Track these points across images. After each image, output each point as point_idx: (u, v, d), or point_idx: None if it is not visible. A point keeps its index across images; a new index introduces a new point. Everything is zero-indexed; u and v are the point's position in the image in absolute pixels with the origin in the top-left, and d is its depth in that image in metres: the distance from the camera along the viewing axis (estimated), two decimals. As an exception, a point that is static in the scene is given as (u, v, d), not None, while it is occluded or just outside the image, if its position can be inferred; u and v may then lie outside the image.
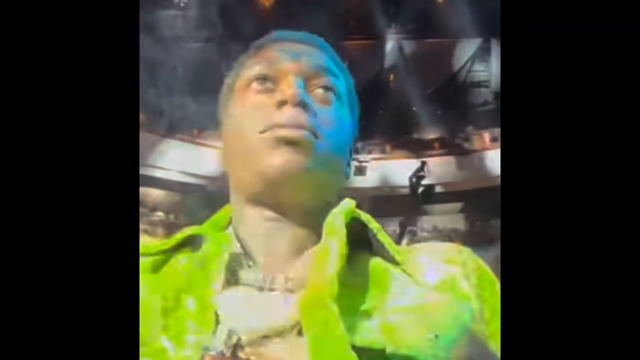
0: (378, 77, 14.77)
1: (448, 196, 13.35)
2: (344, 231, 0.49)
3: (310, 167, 0.51)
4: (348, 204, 0.53)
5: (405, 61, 15.77)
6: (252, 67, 0.57)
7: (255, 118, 0.53)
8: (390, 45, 15.75)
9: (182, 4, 14.73)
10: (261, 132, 0.52)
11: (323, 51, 0.59)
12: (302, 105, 0.52)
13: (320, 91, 0.55)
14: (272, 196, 0.51)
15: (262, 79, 0.55)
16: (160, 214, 13.92)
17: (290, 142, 0.50)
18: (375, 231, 0.53)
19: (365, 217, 0.53)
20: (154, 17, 14.40)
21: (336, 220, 0.50)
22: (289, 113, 0.51)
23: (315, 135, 0.52)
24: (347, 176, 0.59)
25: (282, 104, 0.52)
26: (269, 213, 0.52)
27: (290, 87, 0.52)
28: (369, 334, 0.43)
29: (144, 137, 13.87)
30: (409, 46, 15.67)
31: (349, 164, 0.60)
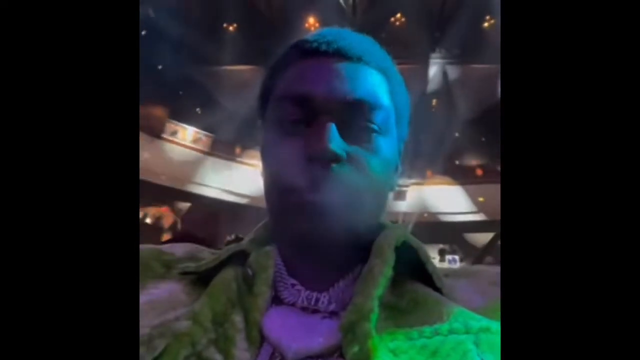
0: (420, 101, 14.68)
1: (489, 225, 12.98)
2: (392, 254, 0.49)
3: (344, 226, 0.49)
4: (401, 228, 0.53)
5: (448, 86, 15.65)
6: (281, 106, 0.52)
7: (285, 175, 0.49)
8: (433, 69, 15.69)
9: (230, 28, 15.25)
10: (289, 191, 0.49)
11: (362, 62, 0.53)
12: (335, 159, 0.48)
13: (358, 127, 0.51)
14: (304, 248, 0.51)
15: (293, 122, 0.51)
16: (199, 230, 14.16)
17: (316, 208, 0.48)
18: (424, 259, 0.52)
19: (415, 243, 0.52)
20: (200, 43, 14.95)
21: (385, 243, 0.50)
22: (316, 171, 0.48)
23: (346, 188, 0.48)
24: (392, 187, 0.56)
25: (311, 158, 0.48)
26: (310, 239, 0.51)
27: (321, 139, 0.48)
28: (414, 358, 0.42)
29: (189, 154, 14.27)
30: (452, 71, 15.57)
31: (397, 171, 0.57)
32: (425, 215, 14.61)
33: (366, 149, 0.51)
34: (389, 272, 0.48)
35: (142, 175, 13.30)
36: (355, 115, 0.50)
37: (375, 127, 0.51)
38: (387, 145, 0.53)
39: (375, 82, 0.53)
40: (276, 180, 0.51)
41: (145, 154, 13.06)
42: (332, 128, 0.48)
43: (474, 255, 11.48)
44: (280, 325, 0.46)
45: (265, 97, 0.57)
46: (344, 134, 0.49)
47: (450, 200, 14.82)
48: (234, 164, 14.65)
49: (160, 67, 14.47)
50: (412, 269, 0.52)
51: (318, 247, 0.50)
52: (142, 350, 0.43)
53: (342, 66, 0.52)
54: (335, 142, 0.48)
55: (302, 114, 0.50)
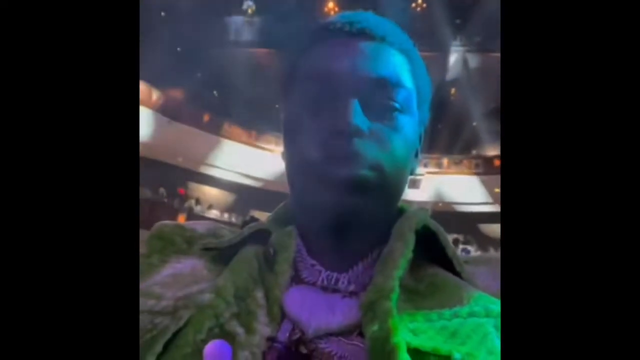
0: (439, 90, 14.51)
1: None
2: (412, 237, 0.49)
3: (365, 202, 0.49)
4: (422, 212, 0.53)
5: (468, 75, 15.43)
6: (305, 86, 0.53)
7: (309, 149, 0.50)
8: (453, 58, 15.47)
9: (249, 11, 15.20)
10: (314, 167, 0.50)
11: (385, 43, 0.53)
12: (357, 133, 0.49)
13: (380, 105, 0.51)
14: (329, 224, 0.51)
15: (316, 102, 0.51)
16: (215, 212, 14.33)
17: (342, 183, 0.48)
18: (444, 243, 0.52)
19: (435, 227, 0.53)
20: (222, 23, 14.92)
21: (405, 226, 0.50)
22: (342, 147, 0.48)
23: (372, 166, 0.49)
24: (412, 171, 0.56)
25: (335, 132, 0.49)
26: (329, 225, 0.51)
27: (344, 114, 0.48)
28: (434, 339, 0.42)
29: (205, 137, 14.37)
30: (473, 60, 15.34)
31: (416, 155, 0.58)
32: (440, 204, 14.55)
33: (389, 126, 0.51)
34: (409, 254, 0.48)
35: (159, 157, 13.47)
36: (378, 93, 0.51)
37: (397, 105, 0.52)
38: (408, 124, 0.53)
39: (398, 62, 0.54)
40: (299, 155, 0.51)
41: (162, 135, 13.18)
42: (355, 104, 0.49)
43: (489, 246, 11.42)
44: (300, 303, 0.47)
45: (288, 77, 0.57)
46: (366, 111, 0.50)
47: (466, 190, 14.72)
48: (249, 148, 14.72)
49: (179, 49, 14.52)
50: (432, 253, 0.52)
51: (340, 222, 0.50)
52: (166, 320, 0.44)
53: (366, 45, 0.52)
54: (358, 117, 0.48)
55: (325, 92, 0.51)
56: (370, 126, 0.50)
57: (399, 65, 0.54)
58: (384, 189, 0.50)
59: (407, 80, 0.54)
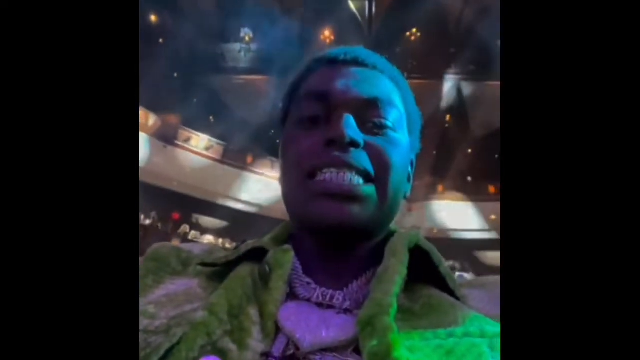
0: (434, 117, 14.68)
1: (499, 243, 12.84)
2: (406, 254, 0.50)
3: (359, 213, 0.50)
4: (414, 231, 0.54)
5: (462, 102, 15.65)
6: (301, 105, 0.56)
7: (304, 161, 0.52)
8: (448, 85, 15.72)
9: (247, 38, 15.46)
10: (309, 177, 0.52)
11: (376, 70, 0.57)
12: (351, 144, 0.50)
13: (373, 123, 0.54)
14: (324, 235, 0.52)
15: (312, 119, 0.54)
16: (210, 237, 14.24)
17: (336, 193, 0.50)
18: (437, 262, 0.52)
19: (428, 247, 0.53)
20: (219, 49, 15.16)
21: (399, 243, 0.51)
22: (335, 154, 0.50)
23: (367, 177, 0.51)
24: (405, 195, 0.58)
25: (329, 143, 0.51)
26: (326, 242, 0.53)
27: (338, 126, 0.51)
28: (430, 356, 0.42)
29: (201, 161, 14.40)
30: (467, 87, 15.58)
31: (409, 180, 0.59)
32: (435, 231, 14.53)
33: (383, 141, 0.53)
34: (404, 271, 0.48)
35: (154, 181, 13.46)
36: (370, 111, 0.54)
37: (389, 123, 0.54)
38: (401, 142, 0.55)
39: (389, 87, 0.57)
40: (295, 167, 0.53)
41: (158, 160, 13.20)
42: (349, 117, 0.52)
43: (485, 273, 11.35)
44: (295, 318, 0.47)
45: (287, 102, 0.60)
46: (360, 127, 0.53)
47: (461, 217, 14.74)
48: (245, 173, 14.74)
49: (176, 75, 14.68)
50: (426, 273, 0.52)
51: (336, 235, 0.51)
52: (160, 339, 0.44)
53: (359, 70, 0.57)
54: (352, 129, 0.51)
55: (321, 110, 0.54)
56: (366, 139, 0.52)
57: (390, 89, 0.57)
58: (378, 199, 0.52)
59: (398, 102, 0.57)
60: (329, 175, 0.50)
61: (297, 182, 0.53)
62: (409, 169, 0.59)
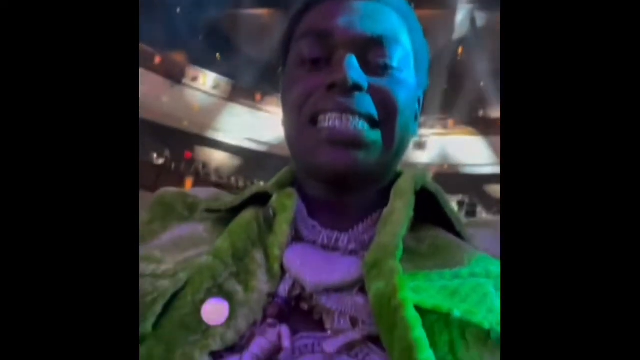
0: (446, 49, 14.20)
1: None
2: (412, 196, 0.50)
3: (365, 159, 0.49)
4: (421, 172, 0.53)
5: (476, 34, 15.05)
6: (302, 44, 0.53)
7: (305, 106, 0.50)
8: (461, 16, 15.06)
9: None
10: (311, 123, 0.50)
11: (381, 3, 0.53)
12: (354, 88, 0.48)
13: (377, 63, 0.51)
14: (329, 182, 0.52)
15: (313, 60, 0.52)
16: (221, 175, 14.39)
17: (340, 140, 0.48)
18: (443, 204, 0.52)
19: (435, 188, 0.53)
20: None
21: (405, 185, 0.51)
22: (338, 99, 0.48)
23: (372, 121, 0.49)
24: (414, 133, 0.56)
25: (331, 87, 0.49)
26: (331, 187, 0.52)
27: (340, 69, 0.48)
28: (434, 297, 0.42)
29: (210, 100, 14.26)
30: (481, 18, 14.91)
31: (416, 119, 0.57)
32: (446, 166, 14.52)
33: (387, 82, 0.51)
34: (410, 213, 0.48)
35: (164, 121, 13.41)
36: (374, 51, 0.51)
37: (394, 63, 0.51)
38: (407, 82, 0.53)
39: (395, 22, 0.53)
40: (296, 112, 0.51)
41: (166, 99, 13.09)
42: (352, 58, 0.49)
43: (494, 207, 11.45)
44: (300, 259, 0.48)
45: (287, 40, 0.57)
46: (363, 68, 0.50)
47: (471, 151, 14.64)
48: (254, 111, 14.61)
49: (178, 10, 14.20)
50: (433, 214, 0.52)
51: (341, 180, 0.50)
52: (166, 283, 0.45)
53: (362, 5, 0.52)
54: (355, 71, 0.48)
55: (323, 51, 0.51)
56: (369, 82, 0.49)
57: (395, 24, 0.53)
58: (384, 144, 0.50)
59: (404, 38, 0.53)
60: (332, 122, 0.48)
61: (299, 128, 0.52)
62: (416, 107, 0.57)
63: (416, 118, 0.58)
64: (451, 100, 14.61)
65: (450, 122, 15.13)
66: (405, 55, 0.53)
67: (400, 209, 0.48)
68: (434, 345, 0.38)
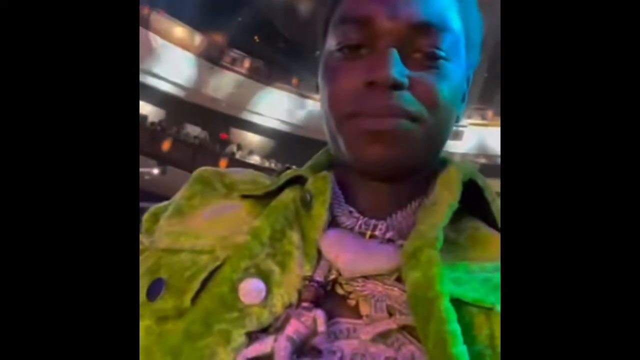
0: (488, 34, 13.75)
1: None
2: (459, 188, 0.48)
3: (404, 154, 0.48)
4: (470, 165, 0.52)
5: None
6: (340, 30, 0.49)
7: (343, 101, 0.48)
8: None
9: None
10: (350, 116, 0.48)
11: None
12: (395, 87, 0.46)
13: (422, 53, 0.47)
14: (367, 174, 0.51)
15: (352, 47, 0.48)
16: (256, 157, 14.56)
17: (381, 137, 0.46)
18: (489, 199, 0.51)
19: (483, 182, 0.51)
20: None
21: (453, 176, 0.49)
22: (378, 101, 0.46)
23: (414, 118, 0.47)
24: (459, 116, 0.54)
25: (371, 84, 0.46)
26: (370, 176, 0.51)
27: (381, 65, 0.45)
28: (477, 290, 0.41)
29: (247, 83, 14.38)
30: None
31: (463, 100, 0.54)
32: (483, 157, 14.21)
33: (432, 76, 0.48)
34: (455, 205, 0.47)
35: (203, 102, 13.64)
36: (420, 40, 0.47)
37: (442, 53, 0.48)
38: (454, 72, 0.49)
39: (445, 2, 0.49)
40: (335, 105, 0.49)
41: (206, 81, 13.27)
42: (394, 54, 0.46)
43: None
44: (337, 245, 0.47)
45: (326, 23, 0.54)
46: (407, 60, 0.47)
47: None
48: (290, 95, 14.65)
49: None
50: (475, 206, 0.51)
51: (379, 173, 0.49)
52: (205, 259, 0.46)
53: None
54: (397, 68, 0.45)
55: (363, 38, 0.48)
56: (411, 76, 0.47)
57: (446, 5, 0.49)
58: (426, 139, 0.49)
59: (454, 22, 0.49)
60: (371, 120, 0.47)
61: (338, 120, 0.50)
62: (465, 86, 0.54)
63: (463, 99, 0.54)
64: (492, 89, 14.21)
65: (489, 113, 14.76)
66: (455, 42, 0.49)
67: (444, 199, 0.47)
68: (473, 338, 0.38)
